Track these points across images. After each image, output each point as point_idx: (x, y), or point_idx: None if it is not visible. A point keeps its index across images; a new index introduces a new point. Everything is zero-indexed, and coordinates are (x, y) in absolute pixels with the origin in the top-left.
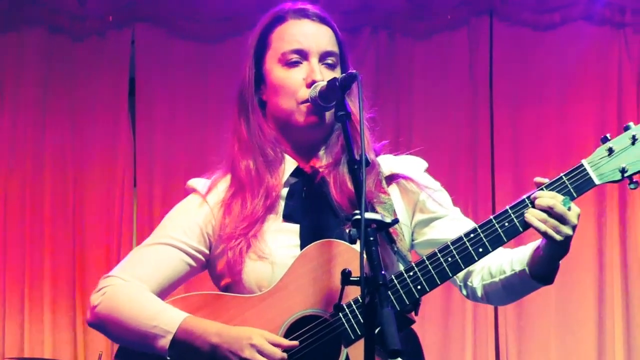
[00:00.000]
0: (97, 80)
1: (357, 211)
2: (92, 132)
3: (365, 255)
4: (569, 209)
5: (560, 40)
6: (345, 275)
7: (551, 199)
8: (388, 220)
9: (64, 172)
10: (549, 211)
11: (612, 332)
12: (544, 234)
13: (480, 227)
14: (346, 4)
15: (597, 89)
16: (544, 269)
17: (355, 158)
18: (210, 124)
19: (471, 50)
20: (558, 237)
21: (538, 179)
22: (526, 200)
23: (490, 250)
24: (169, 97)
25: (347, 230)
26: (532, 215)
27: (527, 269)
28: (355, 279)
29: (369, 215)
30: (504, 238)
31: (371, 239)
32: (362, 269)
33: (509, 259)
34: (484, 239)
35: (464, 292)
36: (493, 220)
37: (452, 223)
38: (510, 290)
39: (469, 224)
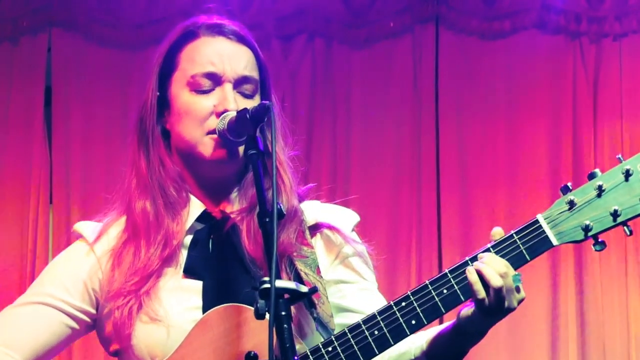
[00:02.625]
0: (10, 89)
1: (267, 278)
2: (3, 144)
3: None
4: (517, 288)
5: (511, 50)
6: None
7: (505, 267)
8: (304, 289)
9: None
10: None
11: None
12: (480, 299)
13: (413, 294)
14: (280, 9)
15: (551, 103)
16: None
17: (267, 209)
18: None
19: (415, 60)
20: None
21: (495, 232)
22: (469, 262)
23: (425, 322)
24: (87, 108)
25: (255, 303)
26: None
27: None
28: None
29: (280, 283)
30: (442, 309)
31: (283, 313)
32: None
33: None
34: (417, 308)
35: None
36: (429, 286)
37: (360, 293)
38: None
39: (379, 299)
